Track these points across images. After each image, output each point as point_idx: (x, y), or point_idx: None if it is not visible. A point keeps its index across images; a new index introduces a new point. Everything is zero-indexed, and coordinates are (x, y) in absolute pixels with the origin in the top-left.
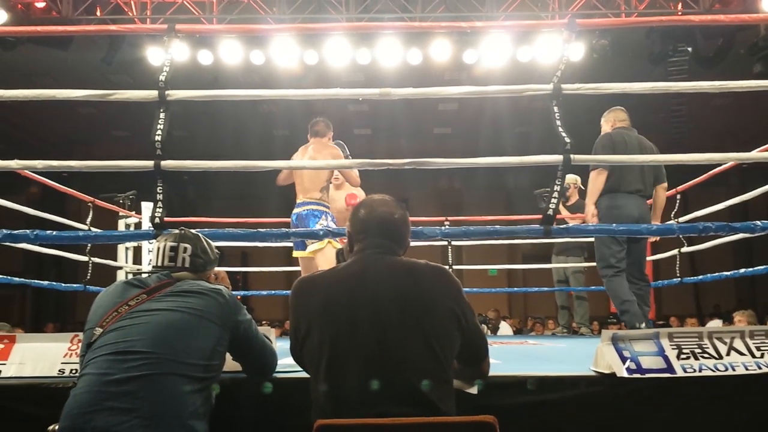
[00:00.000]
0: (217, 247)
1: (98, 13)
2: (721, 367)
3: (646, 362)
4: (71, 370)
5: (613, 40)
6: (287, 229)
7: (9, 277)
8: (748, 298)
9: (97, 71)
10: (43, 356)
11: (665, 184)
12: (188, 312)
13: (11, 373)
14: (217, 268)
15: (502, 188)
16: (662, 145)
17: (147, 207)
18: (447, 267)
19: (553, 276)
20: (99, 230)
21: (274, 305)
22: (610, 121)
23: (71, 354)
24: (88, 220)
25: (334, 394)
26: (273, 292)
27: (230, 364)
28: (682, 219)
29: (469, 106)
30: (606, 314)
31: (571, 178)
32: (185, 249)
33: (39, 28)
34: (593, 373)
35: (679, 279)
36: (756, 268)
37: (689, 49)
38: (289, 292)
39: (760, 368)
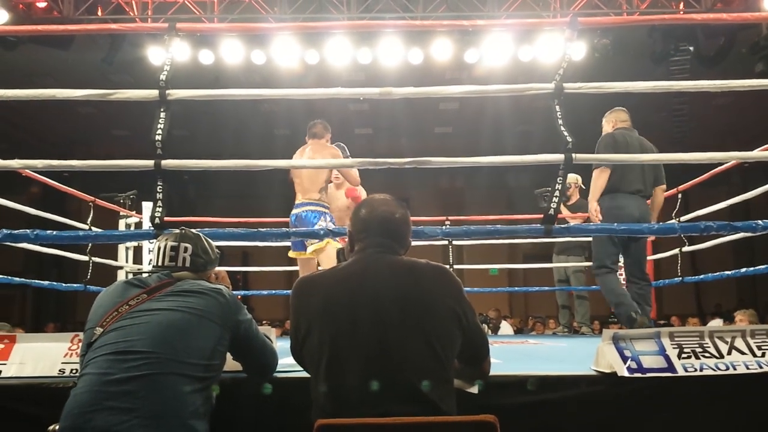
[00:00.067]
0: (217, 247)
1: (99, 13)
2: (722, 367)
3: (647, 361)
4: (71, 369)
5: (614, 39)
6: (288, 229)
7: (9, 277)
8: (749, 297)
9: (97, 71)
10: (43, 356)
11: (664, 186)
12: (189, 312)
13: (12, 373)
14: (217, 268)
15: (504, 187)
16: (664, 144)
17: (147, 207)
18: (448, 266)
19: (554, 275)
20: (99, 230)
21: (275, 305)
22: (612, 122)
23: (71, 354)
24: (89, 219)
25: (335, 394)
26: (273, 291)
27: (231, 363)
28: (683, 218)
29: (471, 105)
30: (607, 314)
31: (572, 178)
32: (186, 249)
33: (40, 27)
34: (594, 373)
35: (681, 278)
36: (757, 267)
37: (691, 48)
38: (289, 291)
39: (761, 367)
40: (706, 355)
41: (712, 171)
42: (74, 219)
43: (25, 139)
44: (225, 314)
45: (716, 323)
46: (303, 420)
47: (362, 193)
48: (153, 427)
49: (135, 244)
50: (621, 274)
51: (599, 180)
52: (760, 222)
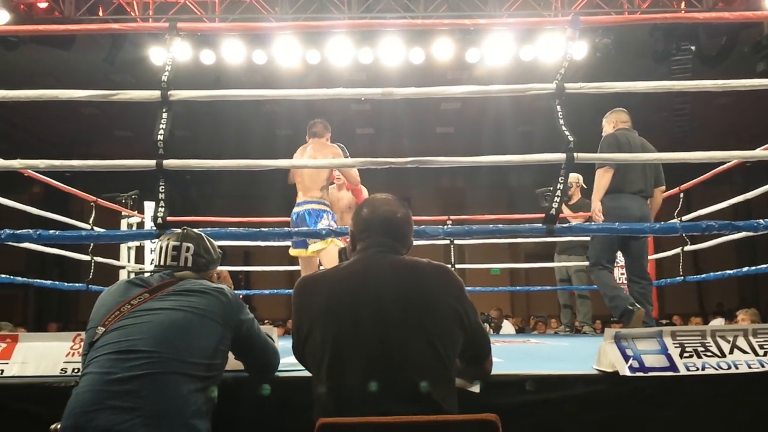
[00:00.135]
0: (219, 247)
1: (100, 13)
2: (724, 366)
3: (649, 360)
4: (73, 369)
5: (616, 38)
6: (290, 229)
7: (12, 277)
8: (751, 296)
9: (99, 71)
10: (45, 355)
11: (663, 187)
12: (191, 311)
13: (14, 373)
14: (219, 268)
15: (505, 187)
16: (665, 144)
17: (149, 206)
18: (449, 266)
19: (555, 275)
20: (102, 230)
21: (277, 304)
22: (612, 122)
23: (73, 353)
24: (91, 219)
25: (337, 393)
26: (275, 291)
27: (233, 363)
28: (685, 217)
29: (472, 105)
30: (609, 313)
31: (574, 177)
32: (188, 248)
33: (41, 28)
34: (596, 372)
35: (682, 277)
36: (759, 266)
37: (692, 47)
38: (291, 291)
39: (763, 366)
40: (708, 354)
41: (714, 170)
42: (76, 219)
43: (26, 140)
44: (227, 314)
45: (717, 322)
46: (304, 419)
47: (364, 193)
48: (155, 427)
49: (137, 243)
50: (623, 274)
51: (603, 180)
52: (761, 221)
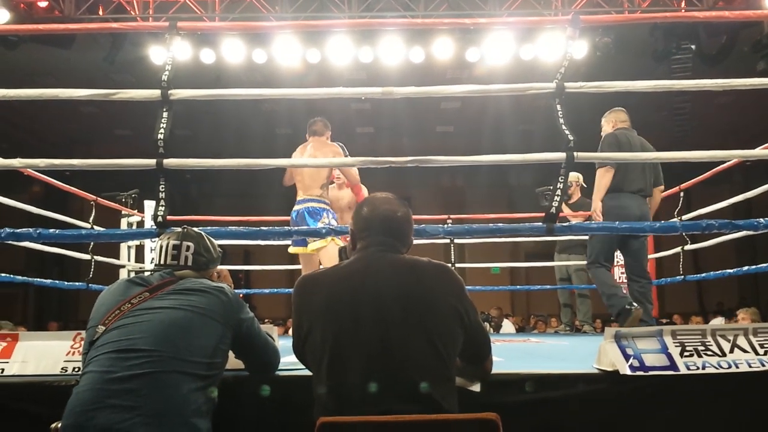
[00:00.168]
0: (219, 246)
1: (100, 13)
2: (725, 365)
3: (650, 360)
4: (74, 368)
5: (616, 37)
6: (290, 228)
7: (11, 276)
8: (751, 295)
9: (99, 70)
10: (45, 354)
11: (662, 187)
12: (191, 310)
13: (14, 372)
14: (219, 267)
15: (505, 186)
16: (665, 143)
17: (149, 205)
18: (450, 265)
19: (555, 274)
20: (102, 229)
21: (277, 303)
22: (611, 122)
23: (74, 352)
24: (91, 218)
25: (337, 392)
26: (275, 290)
27: (233, 362)
28: (685, 217)
29: (472, 104)
30: (609, 312)
31: (573, 176)
32: (188, 247)
33: (41, 27)
34: (596, 371)
35: (683, 277)
36: (759, 265)
37: (692, 46)
38: (291, 290)
39: (763, 365)
40: (709, 353)
41: (714, 169)
42: (76, 218)
43: (26, 139)
44: (227, 312)
45: (717, 321)
46: (305, 418)
47: (364, 192)
48: (155, 426)
49: (137, 242)
50: (623, 273)
51: (604, 179)
52: (762, 220)
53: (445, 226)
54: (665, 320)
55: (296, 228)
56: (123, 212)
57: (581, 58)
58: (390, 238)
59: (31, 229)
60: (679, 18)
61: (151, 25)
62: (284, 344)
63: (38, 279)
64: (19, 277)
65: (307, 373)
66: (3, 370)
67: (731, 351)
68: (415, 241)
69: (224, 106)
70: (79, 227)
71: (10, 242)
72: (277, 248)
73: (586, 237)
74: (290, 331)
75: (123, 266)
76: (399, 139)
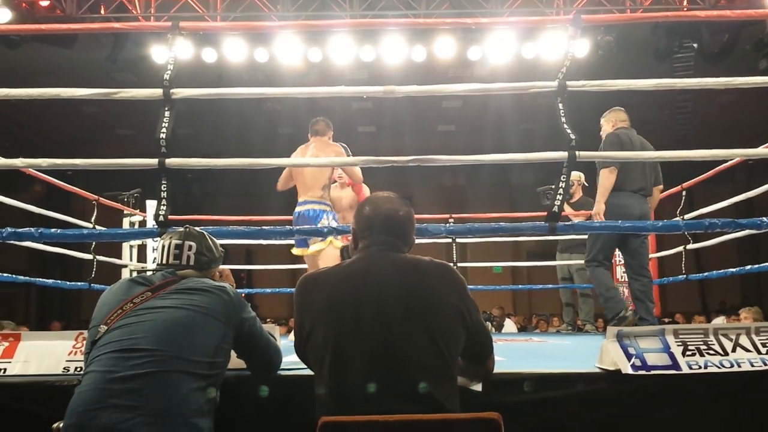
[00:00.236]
0: (221, 245)
1: (102, 12)
2: (727, 364)
3: (652, 359)
4: (76, 368)
5: (618, 36)
6: (291, 227)
7: (14, 276)
8: (753, 294)
9: (101, 69)
10: (47, 354)
11: (661, 186)
12: (193, 309)
13: (16, 371)
14: (221, 266)
15: (507, 185)
16: (668, 142)
17: (151, 205)
18: (451, 264)
19: (557, 273)
20: (103, 228)
21: (279, 303)
22: (611, 121)
23: (76, 352)
24: (93, 218)
25: (339, 392)
26: (277, 289)
27: (235, 361)
28: (687, 216)
29: (474, 103)
30: (606, 314)
31: (575, 175)
32: (190, 247)
33: (43, 26)
34: (598, 370)
35: (685, 276)
36: (761, 264)
37: (694, 45)
38: (293, 289)
39: (765, 365)
40: (711, 352)
41: (716, 168)
42: (78, 218)
43: (28, 138)
44: (229, 312)
45: (719, 321)
46: (306, 417)
47: (366, 191)
48: (157, 425)
49: (139, 242)
50: (625, 272)
51: (608, 181)
52: (764, 219)
53: (447, 225)
54: (667, 319)
55: (298, 227)
56: (125, 212)
57: (583, 57)
58: (392, 238)
59: (33, 229)
60: (681, 17)
61: (153, 25)
62: (286, 344)
63: (40, 279)
64: (22, 277)
65: (309, 372)
66: (5, 370)
67: (733, 350)
68: (417, 241)
69: (226, 105)
70: (81, 227)
71: (12, 242)
72: (279, 248)
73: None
74: (292, 331)
75: (125, 266)
76: (401, 138)
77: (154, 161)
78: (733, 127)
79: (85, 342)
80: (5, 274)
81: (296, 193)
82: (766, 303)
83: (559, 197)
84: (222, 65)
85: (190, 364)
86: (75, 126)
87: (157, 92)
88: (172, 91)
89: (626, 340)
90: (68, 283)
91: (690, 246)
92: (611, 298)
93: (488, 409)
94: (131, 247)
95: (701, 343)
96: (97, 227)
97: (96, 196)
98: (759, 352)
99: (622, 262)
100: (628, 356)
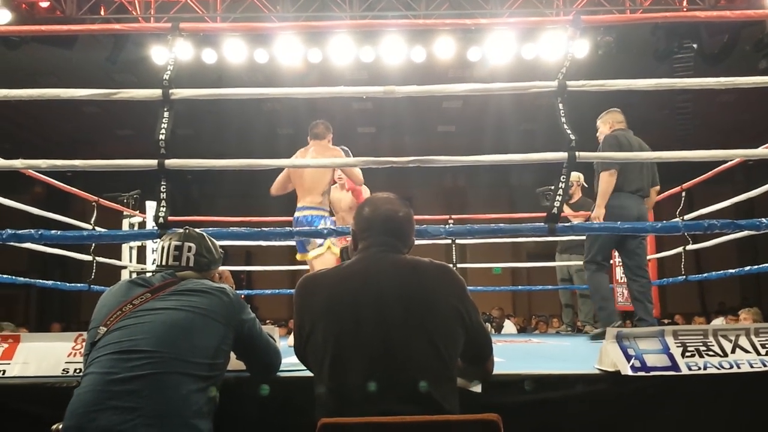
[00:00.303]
0: (221, 246)
1: (102, 13)
2: (726, 365)
3: (651, 360)
4: (75, 369)
5: (618, 36)
6: (291, 228)
7: (13, 277)
8: (753, 295)
9: (101, 70)
10: (47, 356)
11: (658, 187)
12: (192, 311)
13: (15, 373)
14: (221, 268)
15: (507, 186)
16: (668, 142)
17: (151, 206)
18: (451, 265)
19: (557, 274)
20: (103, 230)
21: (278, 304)
22: (608, 123)
23: (75, 353)
24: (93, 219)
25: (338, 393)
26: (277, 291)
27: (234, 363)
28: (687, 216)
29: (474, 103)
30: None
31: (575, 176)
32: (190, 248)
33: (43, 28)
34: (597, 372)
35: (684, 277)
36: (761, 265)
37: (694, 45)
38: (293, 291)
39: (765, 366)
40: (710, 353)
41: (716, 169)
42: (78, 219)
43: (28, 139)
44: (229, 313)
45: (718, 322)
46: (306, 419)
47: (366, 193)
48: (156, 427)
49: (139, 243)
50: (623, 274)
51: (609, 183)
52: (764, 220)
53: (447, 226)
54: (667, 320)
55: (298, 229)
56: (124, 213)
57: (583, 57)
58: (391, 239)
59: (32, 230)
60: (681, 17)
61: (153, 26)
62: (285, 345)
63: (40, 280)
64: (21, 279)
65: (308, 374)
66: (4, 371)
67: (733, 351)
68: (417, 242)
69: (226, 106)
70: (80, 228)
71: (12, 243)
72: (278, 249)
73: None
74: (292, 333)
75: (125, 267)
76: (401, 139)
77: (154, 162)
78: (734, 128)
79: (84, 343)
80: (5, 276)
81: (296, 197)
82: (765, 304)
83: (559, 198)
84: (222, 66)
85: (190, 366)
86: (74, 127)
87: (157, 93)
88: (171, 91)
89: (626, 342)
90: (68, 284)
91: (689, 247)
92: (604, 308)
93: (488, 410)
94: (131, 248)
95: (701, 344)
96: (97, 228)
97: (96, 198)
98: (758, 354)
99: (620, 263)
100: (628, 357)
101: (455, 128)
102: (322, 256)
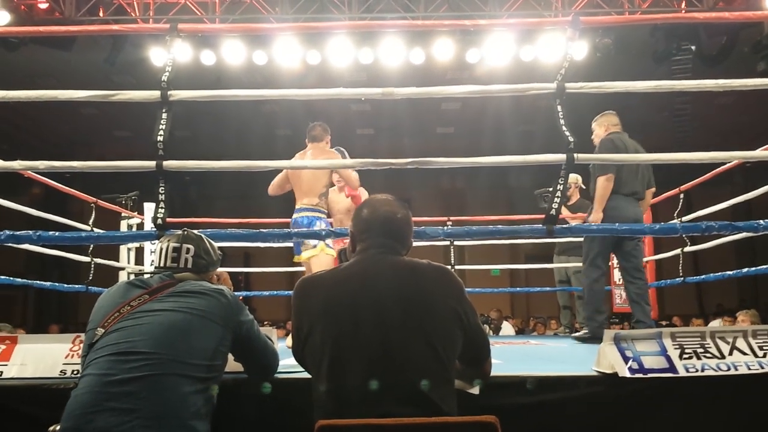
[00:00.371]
0: (219, 248)
1: (101, 14)
2: (724, 367)
3: (649, 362)
4: (73, 370)
5: (616, 38)
6: (289, 230)
7: (11, 278)
8: (750, 297)
9: (99, 72)
10: (44, 357)
11: (654, 189)
12: (190, 312)
13: (13, 374)
14: (219, 269)
15: (505, 188)
16: (666, 144)
17: (149, 207)
18: (449, 267)
19: (554, 276)
20: (101, 231)
21: (276, 306)
22: (604, 126)
23: (73, 355)
24: (91, 220)
25: (336, 394)
26: (275, 292)
27: (232, 364)
28: (685, 218)
29: (472, 105)
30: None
31: (573, 178)
32: (188, 250)
33: (42, 28)
34: (595, 373)
35: (682, 278)
36: (759, 267)
37: (693, 47)
38: (291, 292)
39: (762, 368)
40: (708, 355)
41: (714, 171)
42: (76, 220)
43: (26, 140)
44: (227, 315)
45: (716, 324)
46: (304, 420)
47: (363, 195)
48: (154, 428)
49: (137, 245)
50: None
51: (606, 188)
52: (761, 222)
53: (445, 227)
54: (665, 322)
55: (296, 230)
56: (123, 214)
57: (581, 59)
58: (390, 240)
59: (30, 231)
60: (680, 19)
61: (151, 27)
62: (283, 347)
63: (38, 281)
64: (19, 280)
65: (306, 375)
66: (2, 372)
67: (730, 353)
68: (415, 243)
69: (224, 107)
70: (78, 229)
71: (10, 244)
72: (276, 250)
73: None
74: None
75: (123, 268)
76: (399, 141)
77: (152, 164)
78: (732, 130)
79: (82, 345)
80: (3, 277)
81: (294, 198)
82: (763, 306)
83: (557, 199)
84: (220, 68)
85: (188, 367)
86: (73, 128)
87: (155, 94)
88: (169, 93)
89: (623, 343)
90: (66, 285)
91: (687, 248)
92: (594, 320)
93: (486, 411)
94: (129, 249)
95: (698, 346)
96: (95, 230)
97: (94, 199)
98: (756, 355)
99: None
100: (626, 359)
101: (454, 130)
102: (317, 257)
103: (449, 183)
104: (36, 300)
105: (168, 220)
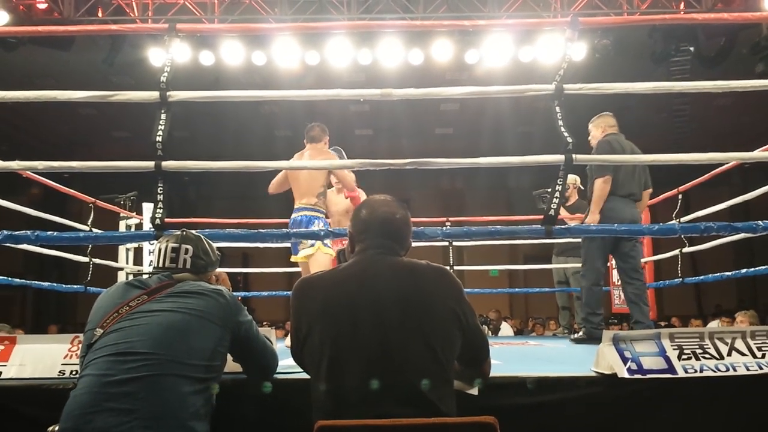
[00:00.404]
0: (217, 248)
1: (100, 14)
2: (723, 368)
3: (648, 363)
4: (71, 371)
5: (615, 39)
6: (288, 230)
7: (10, 278)
8: (749, 298)
9: (98, 72)
10: (43, 357)
11: (650, 190)
12: (189, 313)
13: (11, 375)
14: (217, 270)
15: (504, 188)
16: (665, 145)
17: (148, 208)
18: (448, 267)
19: (553, 277)
20: (100, 231)
21: (275, 306)
22: (601, 127)
23: (71, 355)
24: (89, 221)
25: (335, 395)
26: (274, 293)
27: (231, 365)
28: (683, 219)
29: (471, 106)
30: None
31: (571, 179)
32: (186, 250)
33: (40, 28)
34: (594, 374)
35: (681, 279)
36: (757, 268)
37: (691, 48)
38: (290, 292)
39: (761, 368)
40: (707, 356)
41: (712, 171)
42: (75, 220)
43: (25, 141)
44: (225, 315)
45: (714, 324)
46: (303, 421)
47: (362, 196)
48: (153, 429)
49: (135, 245)
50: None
51: (603, 190)
52: (760, 222)
53: (444, 228)
54: (664, 323)
55: (293, 230)
56: (121, 214)
57: (580, 60)
58: (388, 241)
59: (29, 232)
60: (678, 20)
61: (150, 27)
62: (282, 347)
63: (36, 282)
64: (18, 280)
65: (305, 376)
66: (1, 373)
67: (729, 354)
68: (414, 244)
69: (223, 108)
70: (77, 229)
71: (8, 245)
72: (275, 251)
73: None
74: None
75: (121, 269)
76: (398, 141)
77: (151, 164)
78: (731, 131)
79: (80, 345)
80: (1, 277)
81: (293, 198)
82: (761, 306)
83: (556, 200)
84: (219, 68)
85: (187, 368)
86: (71, 128)
87: (154, 95)
88: (168, 93)
89: (622, 344)
90: (64, 286)
91: (686, 249)
92: (590, 322)
93: (485, 412)
94: (128, 250)
95: (697, 346)
96: (94, 230)
97: (93, 199)
98: (754, 356)
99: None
100: (624, 360)
101: (452, 131)
102: (315, 257)
103: (448, 183)
104: (34, 300)
105: (167, 220)
